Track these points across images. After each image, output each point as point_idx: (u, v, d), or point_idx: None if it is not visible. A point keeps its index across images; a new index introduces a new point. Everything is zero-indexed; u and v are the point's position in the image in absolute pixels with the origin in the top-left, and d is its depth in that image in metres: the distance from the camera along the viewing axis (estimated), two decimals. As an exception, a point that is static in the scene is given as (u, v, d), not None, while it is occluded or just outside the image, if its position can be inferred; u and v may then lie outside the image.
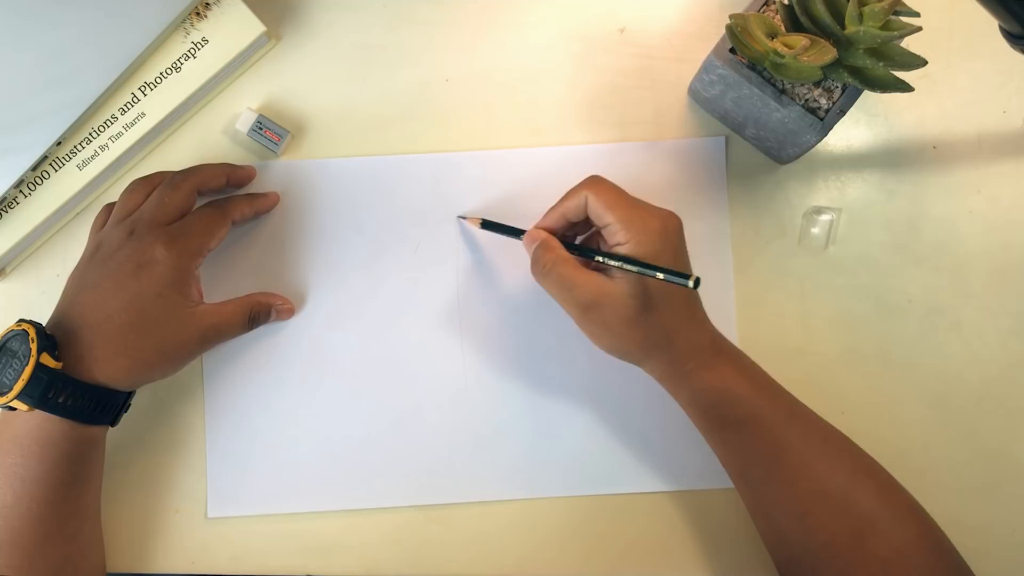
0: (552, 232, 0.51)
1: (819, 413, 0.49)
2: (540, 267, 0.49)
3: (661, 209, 0.49)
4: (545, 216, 0.51)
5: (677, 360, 0.48)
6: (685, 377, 0.49)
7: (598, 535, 0.55)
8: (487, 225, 0.55)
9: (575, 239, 0.54)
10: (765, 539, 0.50)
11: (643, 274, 0.46)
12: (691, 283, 0.44)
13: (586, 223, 0.51)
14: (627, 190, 0.50)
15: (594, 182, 0.49)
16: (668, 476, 0.55)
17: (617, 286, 0.47)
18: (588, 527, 0.55)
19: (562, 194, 0.50)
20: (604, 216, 0.48)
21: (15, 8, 0.51)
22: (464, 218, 0.56)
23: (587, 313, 0.48)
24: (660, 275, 0.45)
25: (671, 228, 0.48)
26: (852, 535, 0.45)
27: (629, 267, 0.46)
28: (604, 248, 0.49)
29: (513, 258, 0.56)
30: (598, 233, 0.51)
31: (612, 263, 0.47)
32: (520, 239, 0.52)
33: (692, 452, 0.55)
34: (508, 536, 0.55)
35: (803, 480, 0.47)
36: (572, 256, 0.49)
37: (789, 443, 0.47)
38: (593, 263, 0.49)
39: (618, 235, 0.47)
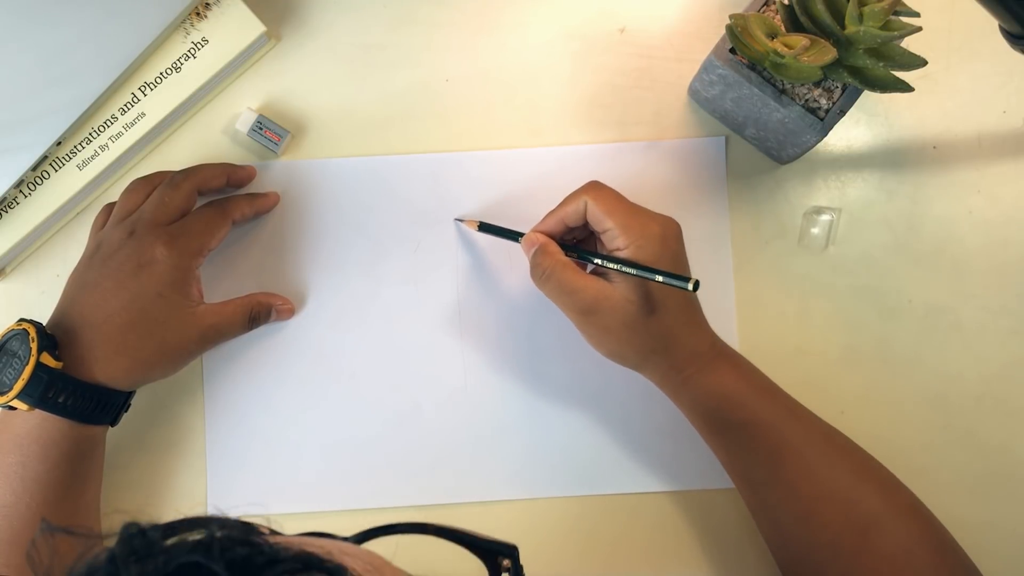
0: (551, 236, 0.50)
1: (819, 413, 0.49)
2: (539, 272, 0.49)
3: (660, 215, 0.49)
4: (543, 220, 0.51)
5: (677, 365, 0.48)
6: (685, 382, 0.49)
7: (598, 535, 0.55)
8: (485, 228, 0.54)
9: (573, 243, 0.54)
10: (768, 540, 0.50)
11: (642, 277, 0.46)
12: (690, 286, 0.44)
13: (585, 227, 0.51)
14: (627, 190, 0.50)
15: (594, 187, 0.49)
16: (668, 476, 0.55)
17: (617, 290, 0.47)
18: (588, 527, 0.55)
19: (562, 195, 0.50)
20: (604, 221, 0.48)
21: (15, 8, 0.51)
22: (461, 220, 0.56)
23: (587, 318, 0.48)
24: (659, 278, 0.45)
25: (670, 233, 0.48)
26: (856, 533, 0.45)
27: (628, 270, 0.46)
28: (603, 253, 0.49)
29: (513, 258, 0.56)
30: (597, 238, 0.51)
31: (611, 266, 0.47)
32: (518, 242, 0.52)
33: (692, 452, 0.55)
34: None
35: (805, 481, 0.47)
36: (571, 260, 0.49)
37: (790, 444, 0.47)
38: (593, 267, 0.49)
39: (617, 240, 0.47)
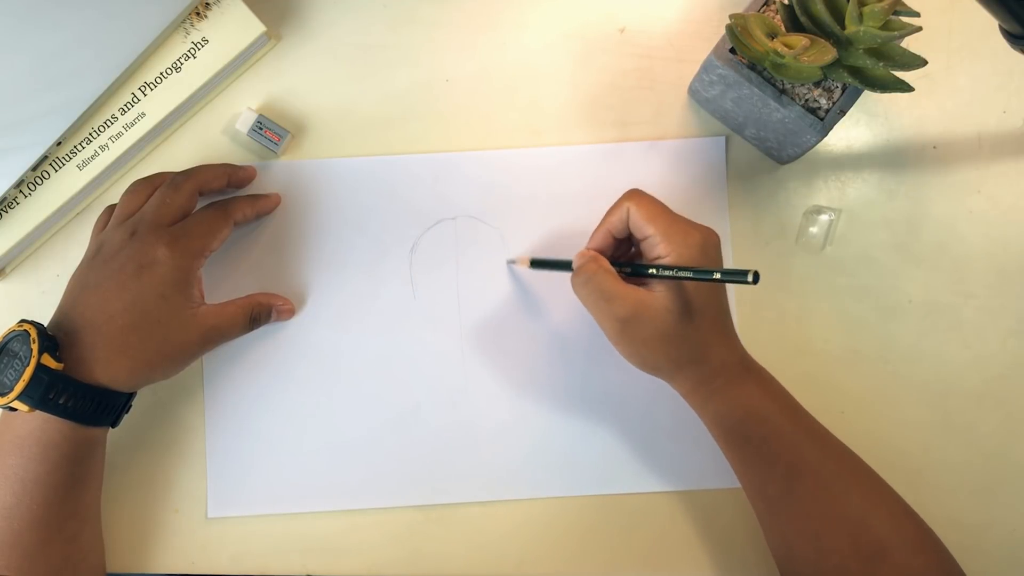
0: (600, 252, 0.50)
1: (819, 413, 0.49)
2: (581, 276, 0.49)
3: (702, 225, 0.48)
4: (592, 237, 0.51)
5: (707, 376, 0.48)
6: (713, 393, 0.48)
7: (598, 535, 0.55)
8: (537, 264, 0.54)
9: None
10: (776, 555, 0.50)
11: (698, 279, 0.45)
12: (750, 277, 0.41)
13: (628, 243, 0.50)
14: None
15: (635, 194, 0.49)
16: (668, 476, 0.55)
17: (657, 299, 0.47)
18: (588, 527, 0.55)
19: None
20: (645, 228, 0.48)
21: (15, 8, 0.51)
22: (514, 262, 0.56)
23: (624, 326, 0.47)
24: (717, 275, 0.44)
25: (711, 243, 0.48)
26: (864, 561, 0.45)
27: (683, 275, 0.45)
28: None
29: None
30: (636, 249, 0.50)
31: (665, 274, 0.46)
32: (571, 271, 0.51)
33: (692, 452, 0.55)
34: (508, 536, 0.55)
35: (819, 501, 0.47)
36: (614, 269, 0.48)
37: (807, 463, 0.47)
38: (633, 280, 0.49)
39: (659, 247, 0.47)
